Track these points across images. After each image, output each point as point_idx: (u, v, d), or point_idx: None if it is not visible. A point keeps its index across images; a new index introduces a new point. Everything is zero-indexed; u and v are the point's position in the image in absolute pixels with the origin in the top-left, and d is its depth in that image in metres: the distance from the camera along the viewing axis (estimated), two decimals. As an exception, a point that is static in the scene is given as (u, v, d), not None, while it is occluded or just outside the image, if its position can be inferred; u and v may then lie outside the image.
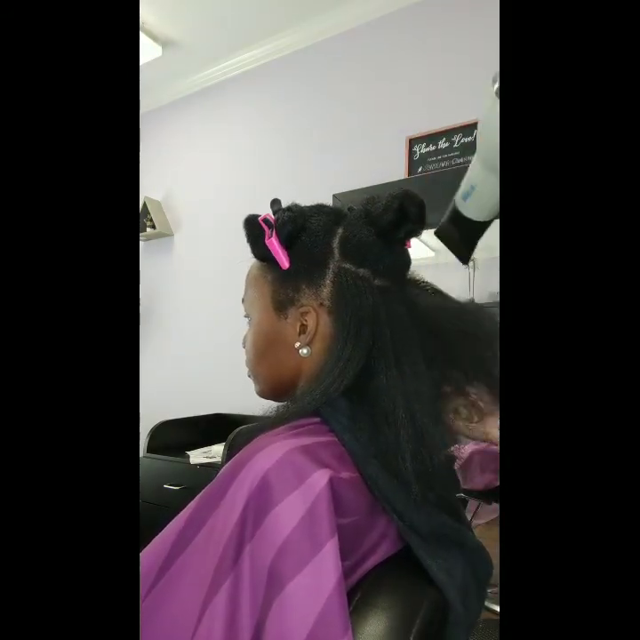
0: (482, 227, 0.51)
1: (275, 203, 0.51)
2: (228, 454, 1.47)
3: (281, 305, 0.50)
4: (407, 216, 0.46)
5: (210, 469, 1.53)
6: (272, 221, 0.49)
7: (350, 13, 1.92)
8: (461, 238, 0.52)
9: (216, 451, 1.68)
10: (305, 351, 0.49)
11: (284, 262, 0.48)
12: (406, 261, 0.52)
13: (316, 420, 0.46)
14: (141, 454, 1.69)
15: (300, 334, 0.49)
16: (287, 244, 0.48)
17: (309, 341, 0.49)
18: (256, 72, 2.23)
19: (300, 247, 0.49)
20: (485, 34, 1.62)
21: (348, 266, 0.48)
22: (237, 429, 1.52)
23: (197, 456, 1.63)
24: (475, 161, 0.47)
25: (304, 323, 0.49)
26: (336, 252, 0.49)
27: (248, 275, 0.55)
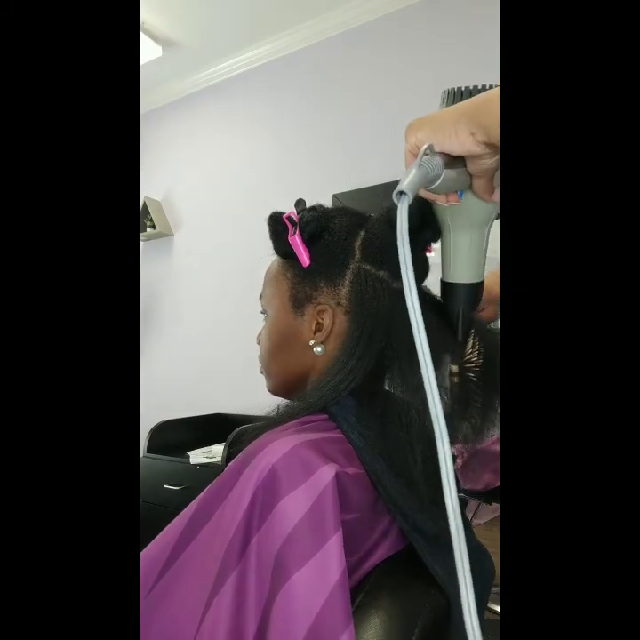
0: (465, 286, 0.45)
1: (299, 202, 0.52)
2: (230, 453, 1.47)
3: (298, 302, 0.50)
4: (427, 221, 0.47)
5: (210, 469, 1.53)
6: (296, 219, 0.49)
7: (350, 13, 1.92)
8: (451, 300, 0.47)
9: (216, 451, 1.68)
10: (319, 349, 0.49)
11: (305, 260, 0.49)
12: (425, 267, 0.52)
13: (324, 416, 0.46)
14: (141, 454, 1.69)
15: (315, 332, 0.49)
16: (309, 242, 0.49)
17: (324, 340, 0.49)
18: (256, 72, 2.23)
19: (321, 246, 0.49)
20: (486, 33, 1.63)
21: (368, 267, 0.48)
22: (237, 429, 1.53)
23: (197, 456, 1.63)
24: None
25: (320, 321, 0.49)
26: (357, 252, 0.49)
27: (268, 271, 0.55)
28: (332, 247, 0.49)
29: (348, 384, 0.44)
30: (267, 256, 0.56)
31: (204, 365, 2.20)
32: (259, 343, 0.56)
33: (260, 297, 0.56)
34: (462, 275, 0.43)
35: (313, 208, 0.50)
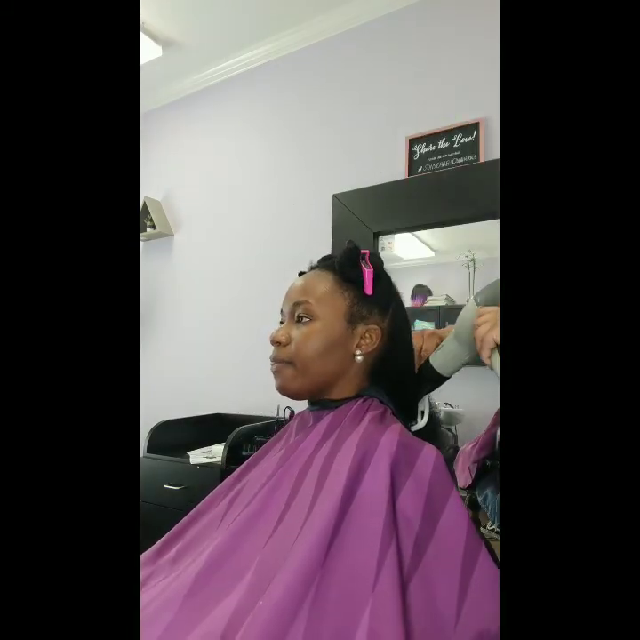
0: (440, 379, 0.70)
1: (350, 242, 0.67)
2: (229, 455, 1.48)
3: (354, 318, 0.63)
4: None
5: (210, 469, 1.53)
6: (366, 257, 0.65)
7: (350, 13, 1.92)
8: (424, 380, 0.71)
9: (216, 451, 1.68)
10: (360, 359, 0.63)
11: (370, 289, 0.64)
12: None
13: (369, 401, 0.62)
14: (141, 454, 1.69)
15: (357, 345, 0.63)
16: (375, 277, 0.64)
17: (369, 353, 0.64)
18: (256, 72, 2.23)
19: (379, 282, 0.65)
20: (486, 33, 1.63)
21: (400, 305, 0.68)
22: (237, 429, 1.53)
23: (197, 456, 1.63)
24: (453, 327, 0.65)
25: (365, 337, 0.63)
26: (397, 294, 0.69)
27: (317, 284, 0.65)
28: (385, 285, 0.67)
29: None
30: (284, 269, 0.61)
31: (203, 365, 2.20)
32: (280, 344, 0.63)
33: (298, 304, 0.64)
34: (440, 365, 0.68)
35: (377, 255, 0.68)
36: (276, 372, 0.64)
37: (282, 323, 0.66)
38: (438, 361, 0.67)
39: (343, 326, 0.63)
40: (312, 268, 0.70)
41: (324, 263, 0.69)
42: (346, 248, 0.66)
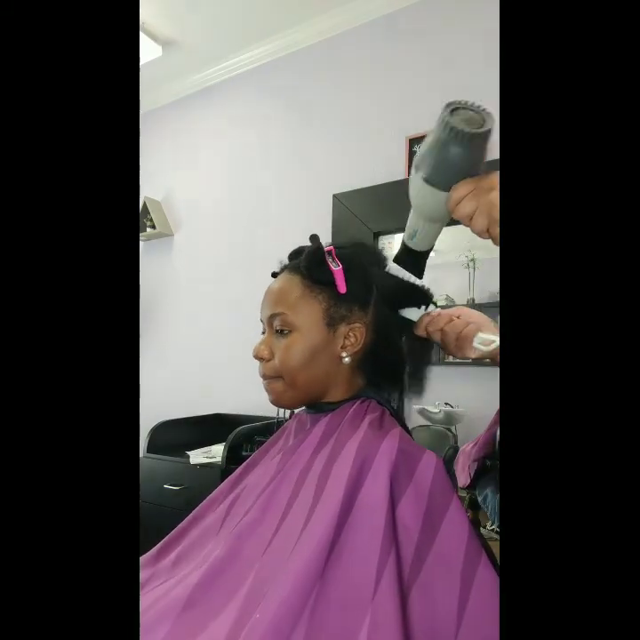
0: (427, 253, 0.67)
1: (315, 238, 0.63)
2: (227, 456, 1.48)
3: (333, 321, 0.60)
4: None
5: (210, 469, 1.53)
6: (333, 254, 0.61)
7: (350, 13, 1.92)
8: (413, 264, 0.68)
9: (216, 451, 1.68)
10: (347, 360, 0.61)
11: (343, 288, 0.60)
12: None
13: (366, 403, 0.61)
14: (141, 454, 1.69)
15: (342, 347, 0.60)
16: (347, 273, 0.60)
17: (356, 352, 0.61)
18: (256, 72, 2.23)
19: (353, 277, 0.61)
20: (486, 33, 1.63)
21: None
22: (237, 429, 1.53)
23: (197, 456, 1.63)
24: (412, 214, 0.61)
25: (349, 336, 0.60)
26: (376, 285, 0.63)
27: (284, 292, 0.61)
28: (361, 278, 0.61)
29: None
30: (261, 273, 0.59)
31: (203, 365, 2.19)
32: (263, 359, 0.61)
33: (274, 316, 0.61)
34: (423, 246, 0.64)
35: (344, 246, 0.63)
36: (267, 389, 0.63)
37: (263, 333, 0.64)
38: (419, 243, 0.64)
39: (323, 331, 0.60)
40: (283, 269, 0.66)
41: (292, 264, 0.64)
42: (309, 249, 0.62)
